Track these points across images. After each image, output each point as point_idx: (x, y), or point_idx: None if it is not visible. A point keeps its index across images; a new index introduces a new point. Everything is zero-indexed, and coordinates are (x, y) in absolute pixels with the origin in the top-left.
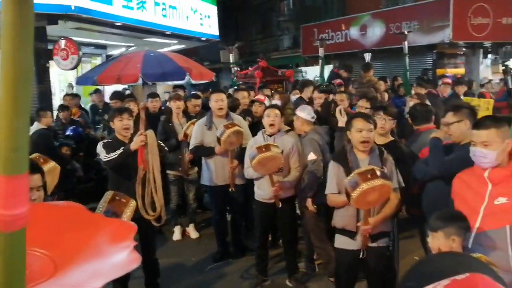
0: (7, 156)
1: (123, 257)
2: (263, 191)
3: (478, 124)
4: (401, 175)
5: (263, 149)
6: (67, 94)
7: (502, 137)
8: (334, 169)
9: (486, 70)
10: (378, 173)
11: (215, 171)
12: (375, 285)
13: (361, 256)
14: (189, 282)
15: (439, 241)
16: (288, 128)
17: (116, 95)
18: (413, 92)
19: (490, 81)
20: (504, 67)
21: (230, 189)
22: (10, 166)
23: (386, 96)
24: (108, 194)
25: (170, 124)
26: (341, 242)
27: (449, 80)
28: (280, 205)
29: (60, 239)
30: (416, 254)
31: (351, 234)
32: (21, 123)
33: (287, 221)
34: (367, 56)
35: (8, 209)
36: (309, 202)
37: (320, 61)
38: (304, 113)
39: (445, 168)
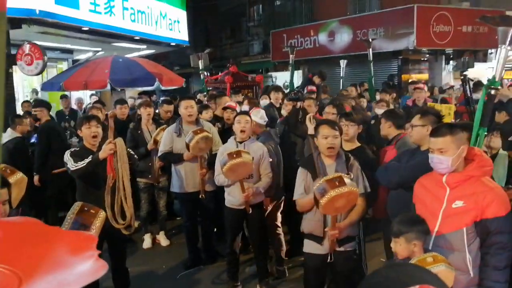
0: None
1: (89, 266)
2: (233, 198)
3: (434, 131)
4: (368, 180)
5: (234, 156)
6: (25, 101)
7: (457, 144)
8: (302, 175)
9: (448, 75)
10: (346, 180)
11: (185, 178)
12: (342, 287)
13: (328, 260)
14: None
15: (401, 246)
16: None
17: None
18: (378, 97)
19: (452, 87)
20: (462, 77)
21: (200, 196)
22: None
23: (364, 102)
24: (76, 205)
25: (139, 132)
26: (309, 247)
27: (421, 85)
28: (250, 211)
29: (21, 254)
30: (383, 256)
31: (319, 239)
32: None
33: (257, 226)
34: (343, 63)
35: None
36: (267, 201)
37: (290, 67)
38: (257, 117)
39: (404, 175)
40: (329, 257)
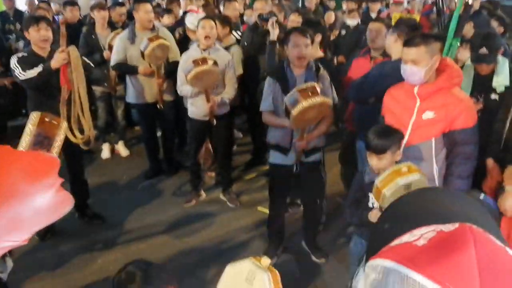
0: None
1: (49, 199)
2: (197, 108)
3: (408, 41)
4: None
5: (200, 62)
6: None
7: (431, 54)
8: (270, 85)
9: None
10: (319, 90)
11: (141, 88)
12: (308, 196)
13: (294, 171)
14: (121, 201)
15: (387, 160)
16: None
17: None
18: (344, 7)
19: None
20: None
21: (158, 106)
22: None
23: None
24: (35, 116)
25: (93, 37)
26: (274, 157)
27: None
28: (215, 123)
29: None
30: (339, 166)
31: (285, 151)
32: None
33: (222, 137)
34: None
35: None
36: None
37: None
38: (189, 22)
39: (361, 88)
40: (294, 168)
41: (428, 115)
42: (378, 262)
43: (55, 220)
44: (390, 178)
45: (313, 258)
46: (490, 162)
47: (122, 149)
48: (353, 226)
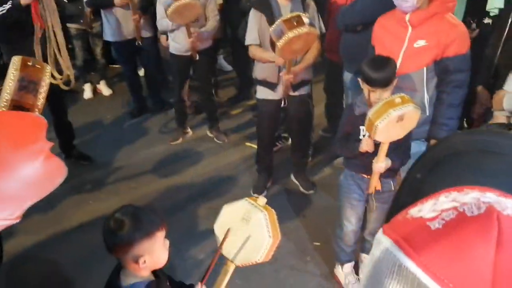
0: None
1: (38, 168)
2: (179, 44)
3: None
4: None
5: None
6: None
7: None
8: (255, 18)
9: None
10: (305, 20)
11: (117, 25)
12: (296, 129)
13: (282, 105)
14: (107, 140)
15: (388, 92)
16: None
17: None
18: None
19: None
20: None
21: (137, 43)
22: None
23: None
24: (16, 60)
25: None
26: (262, 92)
27: None
28: (198, 58)
29: None
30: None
31: (272, 86)
32: None
33: (205, 72)
34: None
35: None
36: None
37: None
38: None
39: (349, 15)
40: (283, 102)
41: (420, 43)
42: (382, 239)
43: (48, 192)
44: (383, 110)
45: (302, 189)
46: (479, 88)
47: (104, 88)
48: (343, 159)
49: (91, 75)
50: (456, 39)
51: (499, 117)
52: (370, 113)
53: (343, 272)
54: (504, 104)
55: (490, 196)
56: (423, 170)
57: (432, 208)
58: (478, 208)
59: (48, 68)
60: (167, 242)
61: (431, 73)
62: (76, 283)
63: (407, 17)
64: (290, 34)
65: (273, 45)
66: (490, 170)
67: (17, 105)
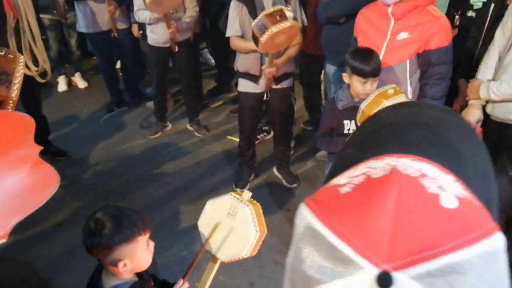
0: None
1: (25, 177)
2: (157, 35)
3: None
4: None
5: None
6: None
7: None
8: (236, 9)
9: None
10: (287, 13)
11: (92, 16)
12: (278, 122)
13: (265, 98)
14: (84, 136)
15: (375, 84)
16: None
17: None
18: None
19: None
20: None
21: (112, 35)
22: None
23: None
24: None
25: None
26: (244, 85)
27: None
28: (177, 49)
29: None
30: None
31: (255, 78)
32: None
33: (184, 64)
34: None
35: None
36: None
37: None
38: None
39: (329, 8)
40: (265, 95)
41: (402, 35)
42: (301, 207)
43: (38, 206)
44: (377, 101)
45: (285, 183)
46: (461, 81)
47: (79, 81)
48: (328, 154)
49: (65, 67)
50: (438, 31)
51: (474, 106)
52: (363, 105)
53: None
54: (480, 92)
55: (403, 161)
56: (354, 145)
57: (347, 176)
58: (383, 170)
59: (22, 58)
60: (152, 245)
61: (414, 66)
62: (55, 284)
63: (389, 9)
64: (274, 29)
65: (255, 38)
66: (415, 139)
67: None
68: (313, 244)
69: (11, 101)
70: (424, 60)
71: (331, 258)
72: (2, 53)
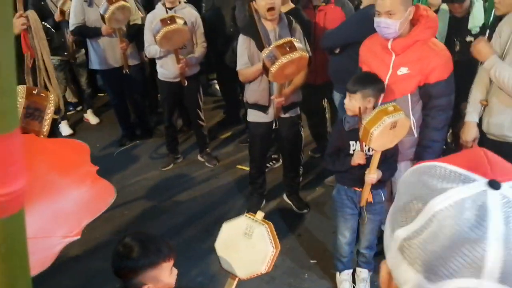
0: None
1: (87, 191)
2: (167, 70)
3: None
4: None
5: (168, 21)
6: None
7: (406, 5)
8: (244, 43)
9: None
10: (296, 45)
11: (104, 53)
12: (287, 150)
13: (274, 127)
14: (98, 171)
15: (356, 102)
16: None
17: None
18: None
19: None
20: None
21: (124, 71)
22: None
23: None
24: (21, 88)
25: (43, 2)
26: (253, 115)
27: None
28: (186, 84)
29: None
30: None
31: (264, 108)
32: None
33: (193, 98)
34: None
35: (1, 186)
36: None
37: None
38: None
39: (330, 38)
40: (274, 124)
41: (403, 70)
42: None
43: (102, 211)
44: (377, 117)
45: (295, 209)
46: (464, 105)
47: (91, 117)
48: (335, 175)
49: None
50: (438, 66)
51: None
52: (365, 121)
53: (340, 279)
54: (488, 58)
55: None
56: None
57: None
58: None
59: (52, 97)
60: (175, 271)
61: (416, 97)
62: None
63: (389, 44)
64: (284, 60)
65: (265, 69)
66: None
67: (23, 132)
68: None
69: (42, 136)
70: (424, 93)
71: (448, 177)
72: (35, 92)
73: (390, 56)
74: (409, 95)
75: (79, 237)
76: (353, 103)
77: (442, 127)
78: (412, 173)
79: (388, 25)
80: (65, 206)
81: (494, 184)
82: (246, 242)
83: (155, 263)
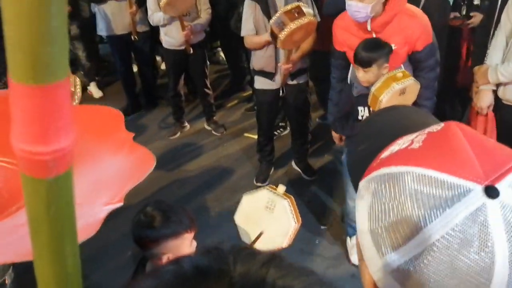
0: (38, 52)
1: (125, 157)
2: (172, 38)
3: None
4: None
5: None
6: None
7: None
8: (250, 8)
9: None
10: (305, 10)
11: (112, 19)
12: (295, 117)
13: (281, 94)
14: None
15: (374, 73)
16: None
17: None
18: None
19: None
20: None
21: (132, 38)
22: (44, 69)
23: None
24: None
25: None
26: (260, 83)
27: None
28: (192, 51)
29: None
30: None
31: (270, 75)
32: None
33: (199, 67)
34: None
35: (48, 143)
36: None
37: None
38: None
39: (331, 5)
40: (281, 91)
41: None
42: (374, 175)
43: (142, 178)
44: (386, 84)
45: (304, 176)
46: (476, 69)
47: (94, 90)
48: (346, 140)
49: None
50: (422, 32)
51: (485, 91)
52: (374, 89)
53: (351, 244)
54: (489, 76)
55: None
56: (365, 140)
57: (397, 145)
58: (438, 125)
59: (77, 79)
60: (195, 244)
61: (407, 63)
62: (88, 281)
63: (368, 26)
64: (293, 26)
65: (273, 36)
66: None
67: None
68: (419, 185)
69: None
70: (414, 59)
71: (439, 190)
72: None
73: (371, 36)
74: (402, 66)
75: (121, 203)
76: (369, 75)
77: (433, 85)
78: (382, 182)
79: (359, 8)
80: (104, 174)
81: (491, 192)
82: (268, 216)
83: (176, 233)
